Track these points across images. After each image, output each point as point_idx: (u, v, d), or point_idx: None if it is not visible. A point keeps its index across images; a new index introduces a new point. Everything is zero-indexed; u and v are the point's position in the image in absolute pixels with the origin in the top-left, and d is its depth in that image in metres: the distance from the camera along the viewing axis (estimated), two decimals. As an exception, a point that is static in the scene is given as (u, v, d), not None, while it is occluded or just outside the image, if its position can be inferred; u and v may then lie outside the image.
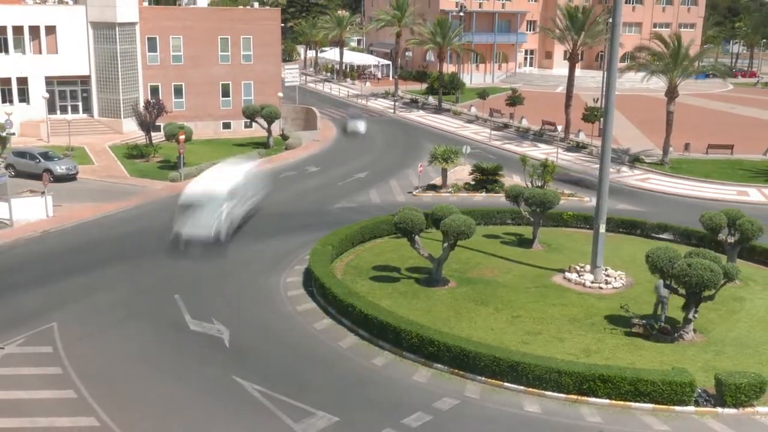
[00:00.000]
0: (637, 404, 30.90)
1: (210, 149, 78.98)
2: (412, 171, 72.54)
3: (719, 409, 30.81)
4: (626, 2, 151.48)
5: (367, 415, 29.92)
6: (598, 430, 29.38)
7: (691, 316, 36.52)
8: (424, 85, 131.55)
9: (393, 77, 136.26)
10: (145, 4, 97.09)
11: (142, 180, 66.87)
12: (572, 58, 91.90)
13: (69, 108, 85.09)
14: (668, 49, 77.39)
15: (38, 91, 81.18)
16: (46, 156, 66.47)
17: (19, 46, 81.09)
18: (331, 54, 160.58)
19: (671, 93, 77.94)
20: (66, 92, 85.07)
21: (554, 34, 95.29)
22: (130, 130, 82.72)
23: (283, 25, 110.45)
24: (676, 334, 36.65)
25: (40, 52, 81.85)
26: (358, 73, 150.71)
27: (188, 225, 48.57)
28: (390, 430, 28.73)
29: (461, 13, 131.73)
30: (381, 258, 47.46)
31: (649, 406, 30.83)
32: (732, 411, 30.71)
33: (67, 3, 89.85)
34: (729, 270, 36.60)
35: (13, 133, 76.51)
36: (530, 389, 31.85)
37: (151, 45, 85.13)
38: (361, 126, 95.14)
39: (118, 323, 38.09)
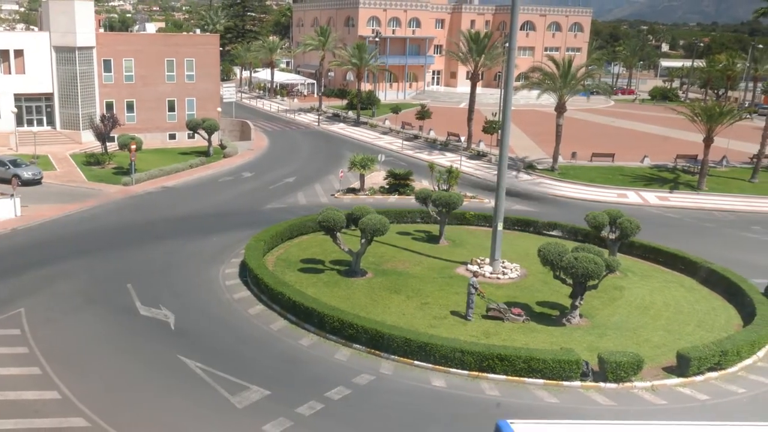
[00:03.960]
0: (531, 380, 31.30)
1: (158, 157, 77.93)
2: (334, 176, 72.46)
3: (602, 384, 31.38)
4: (521, 29, 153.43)
5: (295, 388, 29.96)
6: (496, 403, 29.66)
7: (577, 303, 37.08)
8: (345, 101, 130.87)
9: (317, 94, 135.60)
10: (101, 30, 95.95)
11: (99, 184, 65.85)
12: (474, 78, 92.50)
13: (35, 121, 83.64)
14: (558, 69, 78.42)
15: (8, 107, 79.53)
16: (15, 163, 65.67)
17: (-9, 67, 79.82)
18: (263, 74, 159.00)
19: (560, 108, 78.76)
20: (32, 107, 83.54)
21: (458, 57, 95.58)
22: (88, 141, 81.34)
23: (221, 48, 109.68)
24: (564, 319, 37.17)
25: (10, 73, 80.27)
26: (287, 90, 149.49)
27: None
28: (315, 402, 28.78)
29: (377, 39, 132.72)
30: (307, 252, 47.33)
31: (541, 381, 31.26)
32: (613, 385, 31.31)
33: (33, 29, 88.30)
34: (610, 263, 37.02)
35: (-15, 144, 75.47)
36: (437, 367, 32.12)
37: (107, 66, 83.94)
38: None
39: (77, 309, 37.63)
